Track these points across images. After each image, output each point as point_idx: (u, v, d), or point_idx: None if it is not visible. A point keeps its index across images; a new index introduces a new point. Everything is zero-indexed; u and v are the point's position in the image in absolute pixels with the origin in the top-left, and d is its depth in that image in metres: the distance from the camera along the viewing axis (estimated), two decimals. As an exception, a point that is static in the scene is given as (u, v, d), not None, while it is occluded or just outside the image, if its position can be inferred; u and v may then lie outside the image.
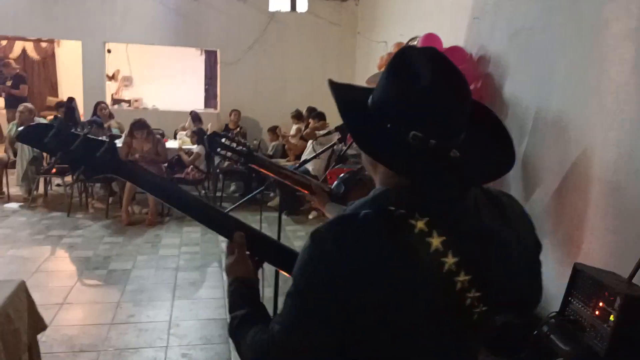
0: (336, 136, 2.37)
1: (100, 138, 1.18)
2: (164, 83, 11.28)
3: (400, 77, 0.97)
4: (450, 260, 0.94)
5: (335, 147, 2.39)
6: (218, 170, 7.66)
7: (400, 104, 0.96)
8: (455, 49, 4.82)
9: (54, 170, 6.73)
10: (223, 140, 1.87)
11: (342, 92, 1.09)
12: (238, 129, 8.44)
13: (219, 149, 1.87)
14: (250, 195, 2.74)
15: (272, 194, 7.91)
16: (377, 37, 8.10)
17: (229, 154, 1.88)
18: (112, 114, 8.15)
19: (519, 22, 4.13)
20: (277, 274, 2.64)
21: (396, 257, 0.93)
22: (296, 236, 6.06)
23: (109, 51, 9.47)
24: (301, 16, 9.05)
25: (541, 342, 2.59)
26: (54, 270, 4.68)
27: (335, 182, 2.09)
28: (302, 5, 9.08)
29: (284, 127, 8.37)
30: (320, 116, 7.03)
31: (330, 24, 9.22)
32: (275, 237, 1.32)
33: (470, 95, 0.99)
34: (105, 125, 7.61)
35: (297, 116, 7.96)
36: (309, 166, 6.94)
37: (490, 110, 1.11)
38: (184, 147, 7.11)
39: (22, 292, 2.28)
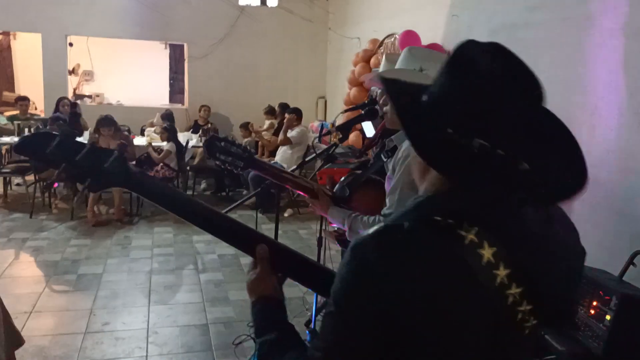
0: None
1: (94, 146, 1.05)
2: (127, 77, 10.91)
3: (466, 78, 0.87)
4: (502, 272, 0.87)
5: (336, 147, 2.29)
6: (188, 168, 7.46)
7: (465, 108, 0.87)
8: (434, 47, 4.79)
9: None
10: (222, 144, 1.76)
11: (397, 90, 0.99)
12: (208, 125, 8.24)
13: (218, 154, 1.75)
14: (244, 199, 2.61)
15: (245, 192, 7.76)
16: (350, 33, 8.04)
17: (228, 158, 1.77)
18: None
19: (499, 19, 4.13)
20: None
21: (447, 270, 0.85)
22: (273, 235, 5.93)
23: (70, 44, 9.09)
24: (272, 10, 8.91)
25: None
26: (19, 276, 4.43)
27: (338, 186, 2.00)
28: (273, 0, 8.94)
29: (255, 123, 8.22)
30: (297, 112, 6.91)
31: (302, 19, 9.10)
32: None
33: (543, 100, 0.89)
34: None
35: (270, 112, 7.83)
36: (284, 164, 6.83)
37: (559, 119, 0.98)
38: (153, 144, 6.87)
39: (-4, 306, 2.11)
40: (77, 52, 10.45)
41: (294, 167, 2.20)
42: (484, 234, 0.86)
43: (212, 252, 5.23)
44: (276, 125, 7.54)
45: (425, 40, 5.08)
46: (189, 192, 7.36)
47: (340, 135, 2.19)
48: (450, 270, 0.85)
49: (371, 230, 0.89)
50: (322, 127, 7.95)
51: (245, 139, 8.02)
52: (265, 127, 7.80)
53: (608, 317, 2.35)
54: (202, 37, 8.86)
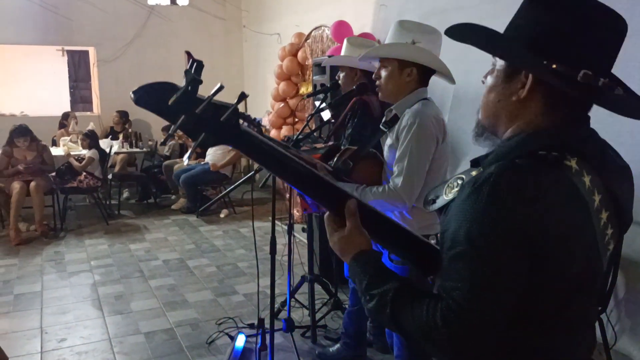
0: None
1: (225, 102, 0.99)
2: (21, 88, 10.10)
3: (567, 12, 0.93)
4: (596, 197, 0.96)
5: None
6: (110, 176, 7.09)
7: (573, 40, 0.93)
8: (365, 36, 4.92)
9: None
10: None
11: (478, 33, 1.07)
12: (129, 130, 7.90)
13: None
14: (214, 200, 2.53)
15: (173, 197, 7.50)
16: (267, 29, 8.03)
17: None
18: (-25, 124, 7.14)
19: (429, 5, 4.33)
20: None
21: (565, 194, 0.92)
22: (214, 236, 5.81)
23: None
24: (183, 9, 8.70)
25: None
26: (-55, 304, 4.00)
27: (337, 161, 2.02)
28: (183, -2, 8.69)
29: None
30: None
31: (214, 18, 8.95)
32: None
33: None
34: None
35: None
36: (208, 158, 6.70)
37: None
38: (72, 152, 6.45)
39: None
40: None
41: (292, 143, 2.19)
42: (582, 164, 0.95)
43: (155, 259, 5.03)
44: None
45: (354, 31, 5.21)
46: (114, 202, 7.01)
47: (333, 112, 2.22)
48: (568, 195, 0.92)
49: (486, 172, 0.92)
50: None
51: (170, 142, 7.76)
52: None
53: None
54: (111, 39, 8.44)
